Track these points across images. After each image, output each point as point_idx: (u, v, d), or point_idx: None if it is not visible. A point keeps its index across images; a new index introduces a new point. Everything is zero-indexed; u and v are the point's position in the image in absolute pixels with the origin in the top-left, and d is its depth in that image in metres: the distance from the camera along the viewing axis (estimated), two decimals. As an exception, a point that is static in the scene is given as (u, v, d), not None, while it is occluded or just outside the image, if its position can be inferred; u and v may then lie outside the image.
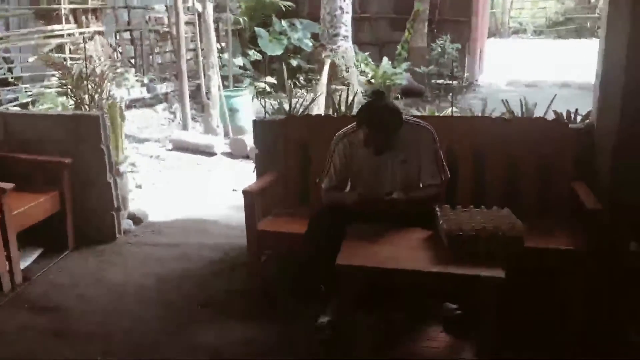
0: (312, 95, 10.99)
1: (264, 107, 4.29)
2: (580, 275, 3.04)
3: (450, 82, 11.59)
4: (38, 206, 3.80)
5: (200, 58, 7.56)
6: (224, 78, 9.56)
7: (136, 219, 4.64)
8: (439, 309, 3.08)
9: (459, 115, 4.10)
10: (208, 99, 7.34)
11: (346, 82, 7.93)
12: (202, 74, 7.49)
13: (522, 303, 3.02)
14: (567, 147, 3.53)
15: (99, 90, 4.36)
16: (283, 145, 3.84)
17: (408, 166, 3.10)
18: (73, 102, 4.56)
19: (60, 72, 4.53)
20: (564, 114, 4.09)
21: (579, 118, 3.99)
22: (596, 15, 26.49)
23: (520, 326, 2.94)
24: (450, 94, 11.04)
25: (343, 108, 4.21)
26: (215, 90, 7.39)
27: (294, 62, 11.63)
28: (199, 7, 7.12)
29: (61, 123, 4.08)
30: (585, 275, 3.03)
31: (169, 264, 3.94)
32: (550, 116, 4.06)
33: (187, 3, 7.42)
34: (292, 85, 10.53)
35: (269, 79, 11.01)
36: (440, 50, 11.26)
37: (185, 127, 7.65)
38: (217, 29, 11.64)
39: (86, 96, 4.39)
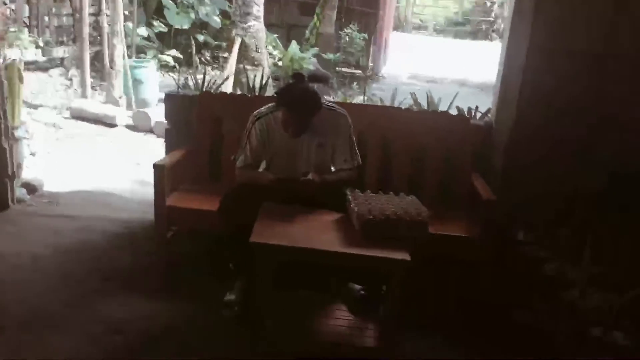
0: (219, 72, 10.87)
1: (176, 82, 4.19)
2: (473, 261, 3.28)
3: (356, 71, 11.85)
4: None
5: (105, 24, 7.22)
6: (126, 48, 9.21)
7: (31, 188, 4.41)
8: (343, 289, 3.19)
9: (370, 104, 4.21)
10: (111, 67, 7.04)
11: (256, 62, 7.89)
12: (106, 41, 7.16)
13: (421, 287, 3.19)
14: (468, 141, 3.76)
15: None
16: (196, 121, 3.80)
17: (323, 150, 3.17)
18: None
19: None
20: (465, 111, 4.33)
21: (478, 115, 4.24)
22: (491, 18, 27.97)
23: (419, 308, 3.11)
24: (356, 83, 11.31)
25: (257, 89, 4.21)
26: (120, 59, 7.10)
27: (201, 38, 11.39)
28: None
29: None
30: (477, 261, 3.27)
31: (68, 235, 3.80)
32: (454, 112, 4.27)
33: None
34: (197, 61, 10.34)
35: (174, 52, 10.73)
36: (347, 39, 11.45)
37: (84, 95, 7.30)
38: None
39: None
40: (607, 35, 3.53)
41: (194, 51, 7.44)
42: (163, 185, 3.37)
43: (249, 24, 8.07)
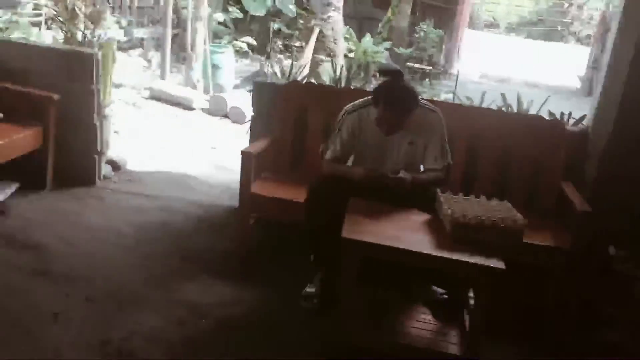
0: (290, 61, 10.90)
1: (269, 70, 4.19)
2: (559, 272, 3.16)
3: (427, 67, 11.67)
4: (20, 140, 3.64)
5: (190, 8, 7.32)
6: (207, 32, 9.33)
7: (115, 165, 4.51)
8: (425, 292, 3.12)
9: (458, 103, 4.11)
10: (192, 51, 7.14)
11: (332, 53, 7.85)
12: (189, 25, 7.27)
13: (505, 295, 3.10)
14: (561, 147, 3.61)
15: (92, 27, 4.16)
16: (282, 110, 3.79)
17: (414, 148, 3.10)
18: (62, 37, 4.35)
19: (54, 2, 4.30)
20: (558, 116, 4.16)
21: (571, 121, 4.07)
22: (567, 20, 27.08)
23: (503, 317, 3.02)
24: (428, 80, 11.13)
25: (342, 80, 4.17)
26: (201, 43, 7.19)
27: (275, 26, 11.45)
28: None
29: (52, 57, 3.90)
30: (565, 273, 3.15)
31: (150, 214, 3.87)
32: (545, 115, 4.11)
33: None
34: (272, 49, 10.41)
35: (249, 39, 10.83)
36: (422, 34, 11.28)
37: (163, 76, 7.44)
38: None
39: (79, 32, 4.19)
40: None
41: (271, 38, 7.43)
42: (249, 173, 3.37)
43: (329, 14, 8.03)
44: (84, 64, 3.87)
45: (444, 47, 12.36)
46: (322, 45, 7.91)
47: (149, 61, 8.75)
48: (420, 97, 3.04)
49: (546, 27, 27.38)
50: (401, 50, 11.55)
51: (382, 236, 2.64)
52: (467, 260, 2.53)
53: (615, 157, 3.58)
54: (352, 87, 4.06)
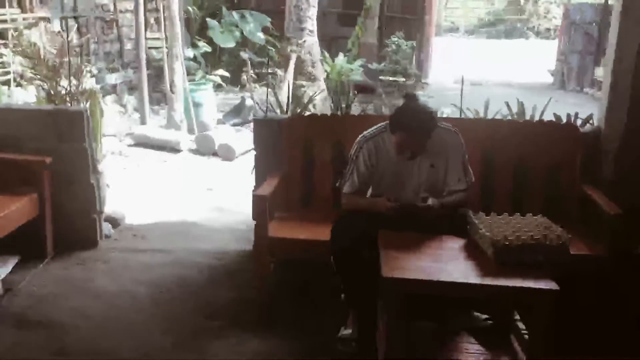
0: (271, 90, 10.79)
1: (267, 104, 4.05)
2: (601, 280, 3.05)
3: (403, 79, 11.65)
4: (16, 212, 3.42)
5: (165, 48, 7.16)
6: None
7: (113, 222, 4.31)
8: (466, 319, 2.99)
9: (467, 117, 4.01)
10: (172, 91, 6.97)
11: (312, 77, 7.76)
12: (166, 65, 7.10)
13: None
14: (576, 150, 3.53)
15: (74, 81, 3.98)
16: (286, 145, 3.65)
17: (435, 170, 2.99)
18: (44, 94, 4.15)
19: (32, 60, 4.11)
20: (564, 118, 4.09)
21: (578, 122, 4.01)
22: (525, 17, 27.54)
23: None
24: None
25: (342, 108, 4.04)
26: (180, 83, 7.03)
27: (245, 55, 11.34)
28: (164, -5, 6.76)
29: (39, 118, 3.71)
30: (607, 280, 3.04)
31: (161, 271, 3.67)
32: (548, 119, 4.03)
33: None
34: (246, 79, 10.28)
35: (221, 71, 10.70)
36: (394, 47, 11.26)
37: (143, 121, 7.25)
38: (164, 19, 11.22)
39: (62, 89, 4.00)
40: None
41: (249, 70, 7.30)
42: (265, 216, 3.22)
43: (304, 39, 7.95)
44: (74, 122, 3.69)
45: (414, 57, 12.37)
46: (301, 70, 7.81)
47: (124, 106, 8.56)
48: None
49: (505, 26, 27.78)
50: (374, 65, 11.51)
51: (424, 270, 2.50)
52: (520, 285, 2.41)
53: (631, 156, 3.51)
54: (356, 114, 3.92)
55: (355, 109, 6.19)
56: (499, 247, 2.52)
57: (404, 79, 11.92)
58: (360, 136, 3.05)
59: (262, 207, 3.20)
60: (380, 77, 11.76)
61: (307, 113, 4.00)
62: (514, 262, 2.52)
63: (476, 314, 3.00)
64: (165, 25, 7.21)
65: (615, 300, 3.02)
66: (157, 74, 10.00)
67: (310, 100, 4.24)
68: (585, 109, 4.05)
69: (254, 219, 3.91)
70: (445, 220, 2.88)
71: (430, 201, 2.84)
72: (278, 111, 4.14)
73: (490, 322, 2.94)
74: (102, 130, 4.09)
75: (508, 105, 4.06)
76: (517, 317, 2.86)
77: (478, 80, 14.19)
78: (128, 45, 9.67)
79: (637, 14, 3.39)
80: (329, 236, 2.99)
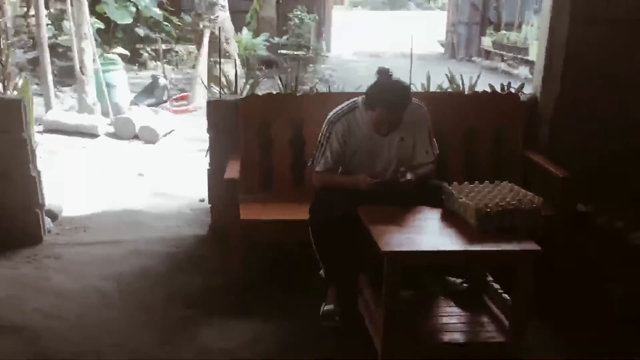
0: (180, 68, 10.40)
1: (221, 85, 3.91)
2: (555, 240, 3.31)
3: (305, 53, 11.70)
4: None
5: (72, 26, 6.67)
6: (67, 49, 8.61)
7: (52, 215, 4.05)
8: (441, 285, 3.13)
9: (419, 91, 4.12)
10: (82, 73, 6.54)
11: (227, 54, 7.58)
12: (74, 45, 6.64)
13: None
14: (518, 118, 3.77)
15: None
16: (242, 126, 3.59)
17: (405, 144, 3.08)
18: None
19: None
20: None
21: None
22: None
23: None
24: (312, 65, 11.16)
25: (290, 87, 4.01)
26: (90, 63, 6.62)
27: (141, 32, 10.88)
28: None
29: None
30: (560, 240, 3.30)
31: (121, 263, 3.52)
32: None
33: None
34: (159, 57, 9.84)
35: (120, 49, 10.20)
36: (297, 20, 11.25)
37: (48, 105, 6.75)
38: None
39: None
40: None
41: (159, 47, 7.00)
42: (237, 200, 3.17)
43: (216, 14, 7.72)
44: (10, 111, 3.40)
45: (313, 31, 12.42)
46: (215, 47, 7.60)
47: (21, 90, 7.93)
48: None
49: (388, -3, 28.52)
50: (276, 39, 11.46)
51: (417, 243, 2.60)
52: (506, 248, 2.57)
53: (564, 121, 3.79)
54: (315, 92, 3.92)
55: (264, 85, 6.15)
56: (481, 215, 2.66)
57: (304, 53, 11.98)
58: (331, 113, 3.07)
59: (234, 191, 3.15)
60: (281, 51, 11.73)
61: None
62: (494, 228, 2.68)
63: (450, 278, 3.15)
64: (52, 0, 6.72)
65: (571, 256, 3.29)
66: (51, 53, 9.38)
67: (257, 81, 4.15)
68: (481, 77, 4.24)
69: (210, 202, 3.89)
70: (418, 192, 2.99)
71: (408, 175, 2.93)
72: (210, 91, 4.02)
73: (465, 285, 3.10)
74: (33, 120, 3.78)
75: (448, 78, 4.23)
76: (490, 278, 3.04)
77: (376, 52, 14.56)
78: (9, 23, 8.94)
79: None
80: (301, 216, 3.02)
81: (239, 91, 4.12)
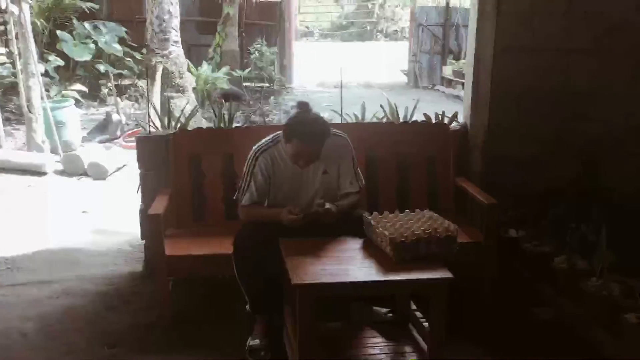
0: (131, 103, 10.39)
1: (149, 121, 3.91)
2: (483, 265, 3.35)
3: (269, 85, 11.80)
4: None
5: (19, 65, 6.66)
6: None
7: (-17, 256, 3.98)
8: (367, 315, 3.13)
9: (350, 122, 4.18)
10: (30, 111, 6.50)
11: (181, 88, 7.60)
12: (21, 84, 6.61)
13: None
14: (448, 146, 3.83)
15: None
16: (173, 161, 3.59)
17: (329, 176, 3.11)
18: None
19: None
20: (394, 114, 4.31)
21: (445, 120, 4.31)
22: (374, 20, 28.84)
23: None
24: (273, 97, 11.24)
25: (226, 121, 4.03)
26: (38, 101, 6.58)
27: (101, 68, 10.87)
28: (14, 9, 6.26)
29: None
30: (487, 265, 3.34)
31: (49, 303, 3.47)
32: (420, 118, 4.30)
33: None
34: (112, 93, 9.83)
35: (78, 86, 10.17)
36: (258, 54, 11.35)
37: (-2, 144, 6.71)
38: (5, 32, 10.41)
39: None
40: (564, 30, 3.73)
41: (112, 83, 7.01)
42: (161, 236, 3.16)
43: (169, 50, 7.77)
44: None
45: (276, 63, 12.54)
46: (169, 82, 7.64)
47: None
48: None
49: (357, 29, 28.89)
50: (238, 72, 11.53)
51: (331, 274, 2.60)
52: (418, 277, 2.59)
53: (494, 148, 3.86)
54: (244, 126, 3.95)
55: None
56: (396, 244, 2.68)
57: (268, 85, 12.08)
58: (255, 147, 3.09)
59: (156, 227, 3.14)
60: (245, 84, 11.81)
61: (190, 127, 3.94)
62: (411, 256, 2.69)
63: (376, 308, 3.15)
64: (9, 40, 6.70)
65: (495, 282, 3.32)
66: (4, 92, 9.33)
67: (193, 114, 4.16)
68: (443, 105, 4.35)
69: (143, 238, 3.86)
70: (341, 223, 3.00)
71: (327, 205, 2.94)
72: (157, 126, 4.03)
73: (391, 315, 3.10)
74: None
75: (383, 109, 4.29)
76: (414, 307, 3.04)
77: (339, 83, 14.69)
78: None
79: (491, 18, 3.73)
80: (230, 249, 3.01)
81: (178, 125, 4.12)
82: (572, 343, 2.97)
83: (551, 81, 3.80)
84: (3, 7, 6.07)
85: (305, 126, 2.89)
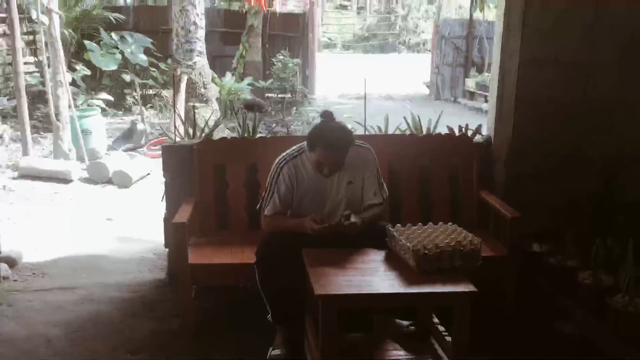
0: (155, 112, 10.53)
1: (175, 130, 3.96)
2: (506, 279, 3.32)
3: (291, 95, 11.87)
4: None
5: (48, 75, 6.81)
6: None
7: (10, 261, 4.05)
8: (389, 327, 3.12)
9: (374, 133, 4.19)
10: (58, 120, 6.63)
11: (205, 99, 7.70)
12: (50, 93, 6.75)
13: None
14: (472, 159, 3.81)
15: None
16: (198, 170, 3.63)
17: (353, 187, 3.11)
18: None
19: None
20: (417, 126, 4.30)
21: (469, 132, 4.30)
22: (396, 32, 28.88)
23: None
24: (295, 108, 11.30)
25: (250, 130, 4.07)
26: (66, 110, 6.71)
27: (127, 77, 11.03)
28: (45, 19, 6.41)
29: None
30: (510, 279, 3.31)
31: (73, 309, 3.51)
32: (443, 131, 4.29)
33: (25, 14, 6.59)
34: (138, 102, 9.97)
35: (104, 95, 10.34)
36: (280, 65, 11.44)
37: (25, 151, 6.83)
38: (34, 42, 10.64)
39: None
40: (589, 43, 3.71)
41: (137, 92, 7.11)
42: (185, 244, 3.18)
43: (194, 60, 7.87)
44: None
45: (298, 74, 12.62)
46: (193, 92, 7.72)
47: (1, 137, 8.04)
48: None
49: (379, 41, 28.96)
50: (261, 83, 11.62)
51: (354, 285, 2.60)
52: (442, 290, 2.58)
53: (518, 161, 3.84)
54: (268, 136, 3.98)
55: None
56: (419, 257, 2.68)
57: (290, 96, 12.16)
58: (279, 158, 3.11)
59: (181, 235, 3.17)
60: (267, 95, 11.91)
61: (216, 137, 3.98)
62: (434, 269, 2.69)
63: (398, 321, 3.14)
64: (38, 49, 6.83)
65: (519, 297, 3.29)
66: (32, 100, 9.49)
67: (217, 123, 4.21)
68: (465, 118, 4.32)
69: (166, 246, 3.90)
70: (364, 234, 3.00)
71: (353, 218, 2.95)
72: (182, 135, 4.08)
73: (412, 327, 3.09)
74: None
75: (406, 120, 4.29)
76: (436, 320, 3.03)
77: (361, 94, 14.71)
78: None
79: (516, 32, 3.72)
80: (253, 259, 3.03)
81: (203, 135, 4.17)
82: (596, 359, 2.92)
83: (574, 93, 3.77)
84: (34, 17, 6.18)
85: (329, 134, 2.90)
